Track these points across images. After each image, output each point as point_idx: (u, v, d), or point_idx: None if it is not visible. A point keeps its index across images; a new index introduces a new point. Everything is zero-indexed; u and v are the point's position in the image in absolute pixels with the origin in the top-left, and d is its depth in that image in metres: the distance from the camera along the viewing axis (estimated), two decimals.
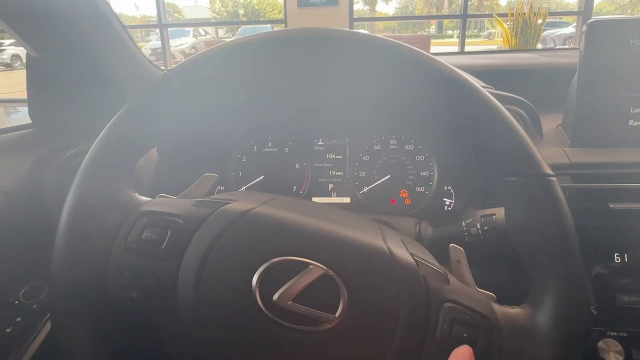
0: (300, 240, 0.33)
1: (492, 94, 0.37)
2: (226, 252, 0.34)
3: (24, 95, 0.70)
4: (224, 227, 0.35)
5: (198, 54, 0.41)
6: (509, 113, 0.36)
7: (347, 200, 0.74)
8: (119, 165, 0.40)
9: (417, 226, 0.57)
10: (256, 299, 0.31)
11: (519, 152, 0.34)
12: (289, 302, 0.30)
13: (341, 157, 0.75)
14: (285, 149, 0.75)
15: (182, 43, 11.83)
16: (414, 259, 0.34)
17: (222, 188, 0.76)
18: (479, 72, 0.73)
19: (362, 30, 0.42)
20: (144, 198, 0.41)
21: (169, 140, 0.65)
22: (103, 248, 0.36)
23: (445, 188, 0.71)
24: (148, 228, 0.36)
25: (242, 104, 0.64)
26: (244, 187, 0.75)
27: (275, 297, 0.31)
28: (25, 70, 0.65)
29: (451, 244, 0.38)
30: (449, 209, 0.69)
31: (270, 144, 0.75)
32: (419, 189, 0.72)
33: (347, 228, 0.35)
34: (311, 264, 0.32)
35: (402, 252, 0.34)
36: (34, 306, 0.56)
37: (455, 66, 0.38)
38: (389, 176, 0.72)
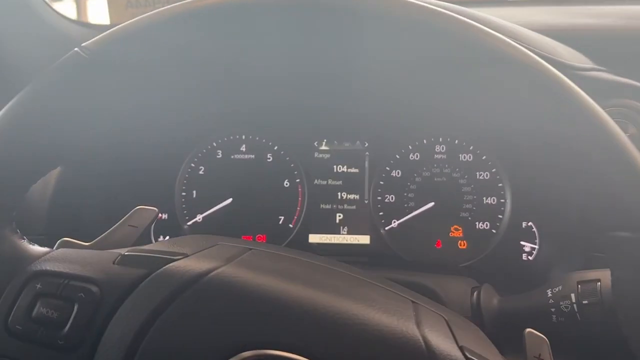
0: (285, 323, 0.34)
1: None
2: (168, 340, 0.34)
3: None
4: (166, 300, 0.35)
5: (130, 22, 0.42)
6: (622, 134, 0.37)
7: (365, 239, 0.74)
8: (0, 196, 0.40)
9: (475, 293, 0.56)
10: None
11: (635, 194, 0.36)
12: None
13: (357, 170, 0.74)
14: (268, 156, 0.75)
15: None
16: (465, 357, 0.34)
17: (165, 217, 0.76)
18: (571, 38, 0.73)
19: None
20: (37, 248, 0.41)
21: (81, 153, 0.65)
22: None
23: (523, 225, 0.70)
24: (43, 299, 0.36)
25: (198, 86, 0.64)
26: (201, 216, 0.75)
27: None
28: None
29: (528, 330, 0.39)
30: (530, 258, 0.69)
31: (243, 148, 0.75)
32: (480, 225, 0.72)
33: (359, 303, 0.35)
34: None
35: (446, 345, 0.34)
36: None
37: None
38: (432, 204, 0.72)
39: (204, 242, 0.44)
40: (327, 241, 0.75)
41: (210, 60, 0.51)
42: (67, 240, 0.43)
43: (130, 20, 0.42)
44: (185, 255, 0.38)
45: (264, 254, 0.43)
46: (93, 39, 0.42)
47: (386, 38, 0.43)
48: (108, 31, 0.42)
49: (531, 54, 0.39)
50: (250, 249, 0.42)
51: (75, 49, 0.42)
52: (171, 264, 0.37)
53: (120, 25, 0.42)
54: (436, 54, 0.43)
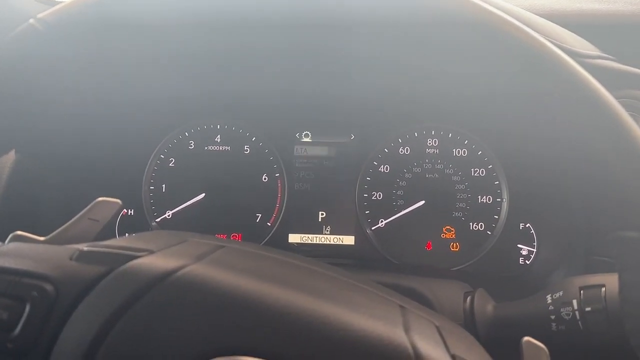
0: (260, 326, 0.33)
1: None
2: (130, 345, 0.33)
3: None
4: (128, 300, 0.34)
5: None
6: (635, 126, 0.36)
7: (349, 240, 0.74)
8: None
9: (468, 299, 0.57)
10: None
11: None
12: None
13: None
14: (245, 147, 0.75)
15: None
16: None
17: (131, 213, 0.76)
18: (576, 23, 0.73)
19: None
20: None
21: (38, 136, 0.64)
22: None
23: (521, 226, 0.71)
24: None
25: (167, 68, 0.63)
26: (170, 212, 0.76)
27: None
28: None
29: (526, 338, 0.38)
30: (527, 262, 0.70)
31: (218, 139, 0.76)
32: (474, 226, 0.72)
33: (342, 306, 0.35)
34: None
35: (437, 353, 0.34)
36: None
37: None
38: (423, 202, 0.73)
39: (172, 238, 0.43)
40: (309, 241, 0.75)
41: (179, 38, 0.50)
42: (19, 234, 0.42)
43: None
44: (151, 252, 0.37)
45: (238, 251, 0.42)
46: (50, 10, 0.41)
47: (378, 19, 0.43)
48: (66, 1, 0.41)
49: (542, 38, 0.39)
50: (223, 246, 0.42)
51: (30, 20, 0.41)
52: (134, 261, 0.36)
53: None
54: (429, 36, 0.43)
